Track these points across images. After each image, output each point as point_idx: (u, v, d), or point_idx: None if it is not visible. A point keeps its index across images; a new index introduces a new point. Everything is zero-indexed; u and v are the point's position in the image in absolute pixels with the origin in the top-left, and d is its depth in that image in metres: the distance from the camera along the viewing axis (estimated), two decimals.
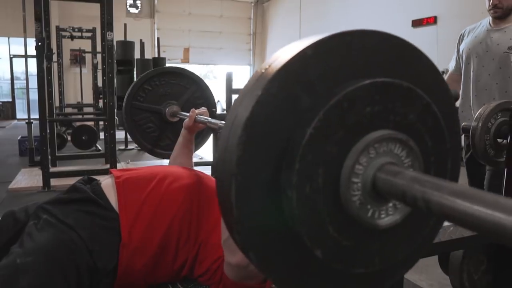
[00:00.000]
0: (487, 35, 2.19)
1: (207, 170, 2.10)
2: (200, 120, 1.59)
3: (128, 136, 6.97)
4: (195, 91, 2.03)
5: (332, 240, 0.47)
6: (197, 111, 1.63)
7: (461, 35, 2.41)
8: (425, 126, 0.50)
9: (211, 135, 2.10)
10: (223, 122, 1.37)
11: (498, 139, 1.22)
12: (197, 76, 2.08)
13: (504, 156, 1.21)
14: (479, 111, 1.23)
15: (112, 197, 1.19)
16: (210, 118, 1.57)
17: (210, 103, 2.06)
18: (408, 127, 0.49)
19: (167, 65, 7.21)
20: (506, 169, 1.14)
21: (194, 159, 1.76)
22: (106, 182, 1.26)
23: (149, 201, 1.20)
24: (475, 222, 0.34)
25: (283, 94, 0.45)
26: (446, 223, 0.98)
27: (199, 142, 1.99)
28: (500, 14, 2.15)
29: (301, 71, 0.45)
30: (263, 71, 0.46)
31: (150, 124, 2.01)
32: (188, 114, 1.66)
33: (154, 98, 2.01)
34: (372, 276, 0.53)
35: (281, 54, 0.47)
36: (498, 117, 1.22)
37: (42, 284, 1.01)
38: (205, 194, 1.26)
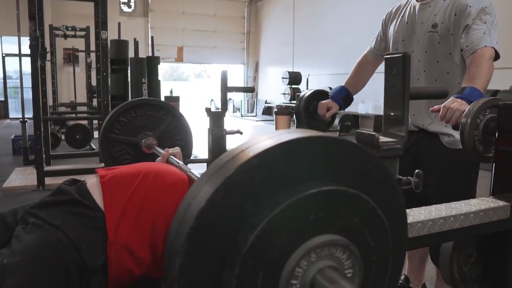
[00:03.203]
0: (413, 13, 1.79)
1: (201, 169, 2.11)
2: (171, 162, 1.61)
3: None
4: (171, 122, 2.03)
5: None
6: (170, 150, 1.66)
7: (387, 13, 1.97)
8: (368, 229, 0.52)
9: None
10: (192, 171, 1.37)
11: (486, 135, 1.25)
12: (173, 107, 2.10)
13: (493, 151, 1.24)
14: (468, 107, 1.26)
15: (98, 197, 1.20)
16: (181, 163, 1.57)
17: (186, 134, 2.06)
18: (352, 230, 0.51)
19: (161, 64, 7.20)
20: (493, 164, 1.17)
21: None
22: (91, 182, 1.26)
23: (134, 198, 1.20)
24: None
25: (227, 204, 0.46)
26: (436, 216, 1.00)
27: None
28: None
29: (246, 181, 0.46)
30: (209, 177, 0.47)
31: (126, 156, 2.00)
32: (162, 151, 1.68)
33: (131, 129, 2.00)
34: None
35: (227, 160, 0.48)
36: (487, 113, 1.25)
37: (30, 283, 1.02)
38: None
